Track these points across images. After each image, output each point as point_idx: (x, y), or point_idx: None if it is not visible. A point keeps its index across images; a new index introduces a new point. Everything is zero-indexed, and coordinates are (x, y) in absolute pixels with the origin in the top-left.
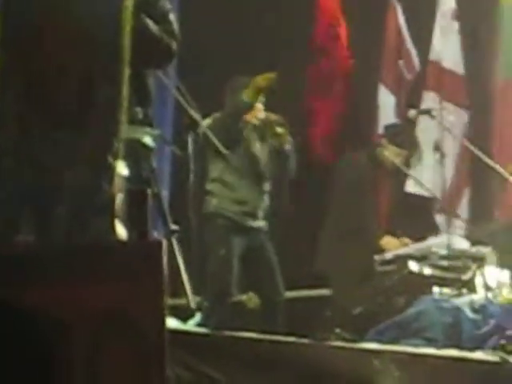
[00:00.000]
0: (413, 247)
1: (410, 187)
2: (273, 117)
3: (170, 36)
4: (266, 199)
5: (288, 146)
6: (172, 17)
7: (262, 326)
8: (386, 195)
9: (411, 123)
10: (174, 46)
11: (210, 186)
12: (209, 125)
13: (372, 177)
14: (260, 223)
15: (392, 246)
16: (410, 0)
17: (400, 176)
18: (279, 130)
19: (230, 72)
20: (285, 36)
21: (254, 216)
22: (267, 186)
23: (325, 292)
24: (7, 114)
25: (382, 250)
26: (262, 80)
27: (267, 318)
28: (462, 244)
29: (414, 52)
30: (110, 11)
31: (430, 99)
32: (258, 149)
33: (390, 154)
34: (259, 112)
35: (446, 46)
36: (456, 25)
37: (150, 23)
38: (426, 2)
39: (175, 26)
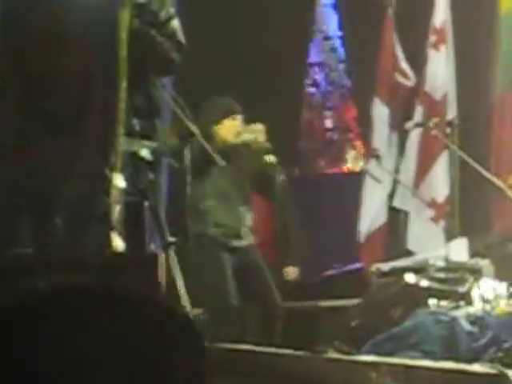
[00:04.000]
0: (410, 259)
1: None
2: (261, 143)
3: (172, 42)
4: (248, 216)
5: (280, 176)
6: (175, 23)
7: (261, 339)
8: None
9: (406, 134)
10: (176, 52)
11: (201, 203)
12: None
13: None
14: (245, 241)
15: None
16: (405, 12)
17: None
18: (270, 159)
19: (225, 86)
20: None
21: (237, 236)
22: (248, 204)
23: (322, 304)
24: (4, 124)
25: None
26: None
27: (266, 330)
28: (460, 256)
29: (405, 65)
30: (107, 20)
31: (418, 113)
32: (245, 168)
33: None
34: (239, 130)
35: (438, 60)
36: (450, 38)
37: (150, 30)
38: (421, 14)
39: (179, 31)
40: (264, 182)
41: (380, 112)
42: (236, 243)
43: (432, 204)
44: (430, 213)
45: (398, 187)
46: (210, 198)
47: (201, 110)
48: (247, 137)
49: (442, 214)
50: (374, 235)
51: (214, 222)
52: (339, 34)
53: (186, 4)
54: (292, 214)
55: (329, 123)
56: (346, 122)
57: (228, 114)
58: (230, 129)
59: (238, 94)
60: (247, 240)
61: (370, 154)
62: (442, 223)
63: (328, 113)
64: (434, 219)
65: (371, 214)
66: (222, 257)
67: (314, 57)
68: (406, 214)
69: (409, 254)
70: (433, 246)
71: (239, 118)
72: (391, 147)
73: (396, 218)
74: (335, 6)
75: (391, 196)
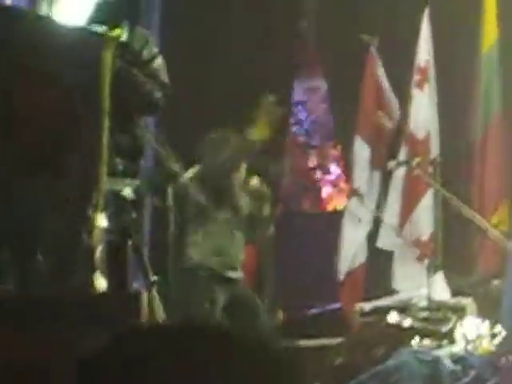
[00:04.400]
0: (392, 298)
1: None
2: (264, 189)
3: (155, 82)
4: (243, 250)
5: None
6: (158, 62)
7: None
8: None
9: (389, 174)
10: (159, 92)
11: (190, 238)
12: (193, 174)
13: None
14: (238, 274)
15: None
16: (390, 51)
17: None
18: (267, 209)
19: (209, 124)
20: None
21: (233, 268)
22: (243, 237)
23: (305, 343)
24: None
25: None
26: (268, 113)
27: None
28: (443, 295)
29: (394, 102)
30: (90, 59)
31: (402, 152)
32: (243, 203)
33: None
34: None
35: (421, 100)
36: (432, 77)
37: (132, 69)
38: (404, 53)
39: (162, 71)
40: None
41: (361, 151)
42: (232, 274)
43: (416, 243)
44: (415, 252)
45: (381, 227)
46: (215, 225)
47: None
48: (253, 184)
49: (425, 253)
50: (354, 274)
51: (215, 250)
52: (321, 72)
53: (169, 44)
54: (272, 255)
55: (312, 162)
56: (330, 161)
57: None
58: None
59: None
60: (241, 273)
61: (352, 193)
62: (426, 262)
63: (311, 151)
64: (418, 258)
65: (351, 253)
66: (216, 292)
67: (297, 95)
68: (390, 253)
69: (391, 293)
70: (416, 285)
71: (243, 167)
72: (373, 186)
73: (379, 257)
74: (317, 44)
75: (374, 236)
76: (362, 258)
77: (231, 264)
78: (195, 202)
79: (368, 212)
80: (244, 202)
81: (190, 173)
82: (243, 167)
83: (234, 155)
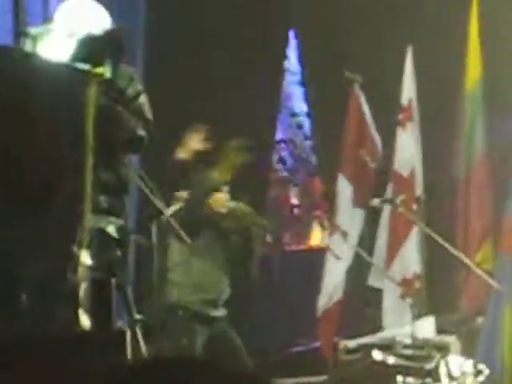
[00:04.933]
0: (377, 336)
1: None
2: (246, 208)
3: (139, 119)
4: (226, 288)
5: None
6: (142, 99)
7: None
8: None
9: (375, 212)
10: (143, 129)
11: (171, 275)
12: (174, 212)
13: None
14: (221, 312)
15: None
16: (374, 89)
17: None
18: (261, 220)
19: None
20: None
21: (215, 305)
22: (229, 274)
23: (288, 382)
24: None
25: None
26: (235, 156)
27: None
28: (427, 333)
29: (378, 140)
30: (74, 97)
31: (387, 190)
32: (225, 236)
33: None
34: (227, 201)
35: (405, 138)
36: (416, 115)
37: (117, 107)
38: (390, 91)
39: (146, 108)
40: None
41: (344, 188)
42: (213, 312)
43: (402, 281)
44: (400, 290)
45: (372, 266)
46: (196, 260)
47: (191, 184)
48: (233, 204)
49: (410, 291)
50: (331, 311)
51: (196, 286)
52: (306, 110)
53: (153, 81)
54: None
55: (295, 199)
56: (313, 199)
57: (219, 186)
58: (219, 200)
59: None
60: (222, 311)
61: (335, 230)
62: (410, 300)
63: (295, 189)
64: (403, 296)
65: (329, 290)
66: (195, 332)
67: (280, 133)
68: (379, 290)
69: (376, 330)
70: (402, 322)
71: (226, 189)
72: (355, 224)
73: (368, 294)
74: (302, 82)
75: (361, 273)
76: (339, 294)
77: (213, 300)
78: (178, 238)
79: (349, 249)
80: (225, 236)
81: (172, 210)
82: (225, 191)
83: (201, 193)
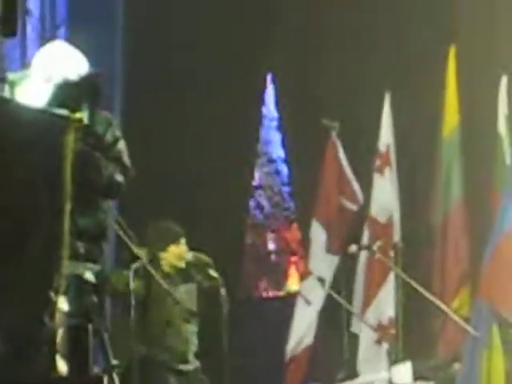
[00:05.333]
0: (354, 382)
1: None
2: (204, 259)
3: (117, 165)
4: (195, 340)
5: (222, 290)
6: (121, 145)
7: None
8: None
9: (352, 258)
10: (121, 175)
11: (145, 326)
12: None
13: None
14: (191, 366)
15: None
16: (351, 137)
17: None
18: (213, 273)
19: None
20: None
21: (184, 361)
22: (194, 327)
23: None
24: None
25: None
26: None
27: None
28: (404, 379)
29: (356, 186)
30: (51, 144)
31: (365, 236)
32: (184, 291)
33: None
34: (184, 253)
35: (382, 184)
36: (393, 161)
37: (95, 153)
38: (366, 138)
39: (124, 154)
40: (210, 299)
41: (317, 235)
42: (183, 367)
43: (378, 327)
44: (376, 335)
45: (352, 313)
46: (158, 323)
47: (146, 236)
48: (190, 256)
49: (386, 337)
50: (300, 356)
51: (161, 347)
52: (283, 156)
53: (130, 126)
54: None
55: (272, 245)
56: (290, 245)
57: (174, 239)
58: (176, 253)
59: (180, 216)
60: (192, 365)
61: (307, 275)
62: (386, 345)
63: (271, 235)
64: (379, 341)
65: (300, 335)
66: (169, 380)
67: (257, 179)
68: (355, 336)
69: (354, 376)
70: (378, 368)
71: (183, 241)
72: (328, 270)
73: (342, 340)
74: (279, 128)
75: (337, 319)
76: (309, 339)
77: (181, 358)
78: (156, 286)
79: (321, 294)
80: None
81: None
82: (182, 243)
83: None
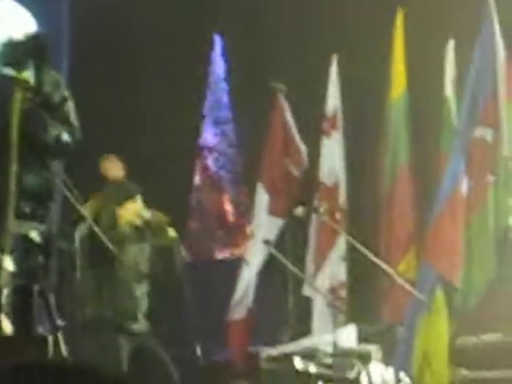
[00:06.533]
0: (299, 344)
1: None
2: (162, 217)
3: (65, 125)
4: (145, 301)
5: (181, 248)
6: (69, 105)
7: None
8: None
9: (299, 221)
10: (68, 135)
11: (93, 285)
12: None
13: None
14: (141, 326)
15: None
16: (298, 100)
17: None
18: (171, 232)
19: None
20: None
21: (134, 318)
22: (145, 288)
23: None
24: None
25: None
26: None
27: None
28: (349, 342)
29: (302, 149)
30: None
31: (312, 199)
32: (137, 251)
33: None
34: (141, 211)
35: (330, 147)
36: (341, 125)
37: (42, 113)
38: (314, 102)
39: (72, 114)
40: (166, 263)
41: (261, 197)
42: (133, 326)
43: (329, 290)
44: (327, 299)
45: (304, 274)
46: (107, 282)
47: (103, 193)
48: (147, 214)
49: (335, 300)
50: (242, 318)
51: (113, 305)
52: (230, 118)
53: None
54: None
55: (219, 208)
56: (237, 207)
57: (130, 196)
58: (132, 210)
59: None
60: (142, 325)
61: (250, 238)
62: (332, 309)
63: (218, 197)
64: (328, 305)
65: (238, 297)
66: (119, 341)
67: (204, 141)
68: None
69: (299, 338)
70: (327, 331)
71: (139, 198)
72: (271, 233)
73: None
74: (227, 91)
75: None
76: (249, 301)
77: (130, 315)
78: (100, 246)
79: (261, 256)
80: (137, 251)
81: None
82: (139, 200)
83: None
